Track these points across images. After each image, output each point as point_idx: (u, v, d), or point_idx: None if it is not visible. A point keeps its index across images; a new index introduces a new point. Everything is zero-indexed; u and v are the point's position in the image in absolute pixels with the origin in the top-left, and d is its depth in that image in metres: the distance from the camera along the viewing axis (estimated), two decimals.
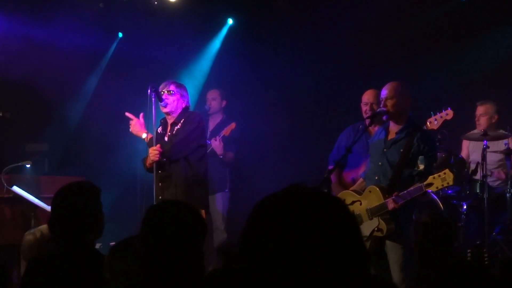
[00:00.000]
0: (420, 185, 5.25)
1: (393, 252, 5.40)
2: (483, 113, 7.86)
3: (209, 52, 9.86)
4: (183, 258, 2.61)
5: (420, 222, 4.36)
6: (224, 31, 9.92)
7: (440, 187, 5.24)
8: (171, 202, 2.79)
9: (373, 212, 5.44)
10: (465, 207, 7.49)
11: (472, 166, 7.58)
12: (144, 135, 6.40)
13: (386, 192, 5.41)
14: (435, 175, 5.23)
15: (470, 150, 8.03)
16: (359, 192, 5.66)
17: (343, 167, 6.95)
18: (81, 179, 6.40)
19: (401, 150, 5.47)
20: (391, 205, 5.31)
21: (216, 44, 9.90)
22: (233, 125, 8.07)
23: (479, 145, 7.61)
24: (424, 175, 5.37)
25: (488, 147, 7.30)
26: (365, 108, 6.75)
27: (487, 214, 7.06)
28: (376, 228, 5.41)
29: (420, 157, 5.44)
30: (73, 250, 3.37)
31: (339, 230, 1.51)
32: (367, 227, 5.45)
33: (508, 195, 7.32)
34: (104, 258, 3.09)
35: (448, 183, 5.19)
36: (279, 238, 1.48)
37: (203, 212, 6.31)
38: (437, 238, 4.21)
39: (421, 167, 5.41)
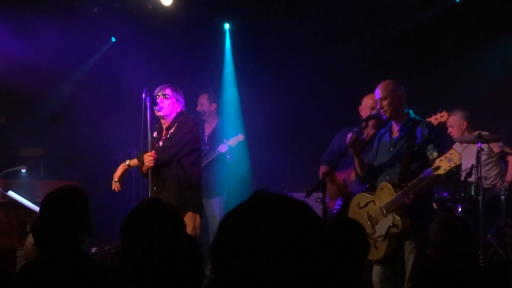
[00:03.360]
0: (428, 170, 5.21)
1: (406, 250, 5.37)
2: (451, 124, 8.02)
3: (207, 58, 9.86)
4: (166, 257, 2.62)
5: (440, 222, 4.31)
6: (227, 39, 9.92)
7: (447, 168, 5.09)
8: (152, 203, 2.80)
9: (386, 209, 5.38)
10: (460, 209, 7.51)
11: (466, 169, 7.60)
12: (127, 162, 6.41)
13: (398, 186, 5.38)
14: (442, 157, 5.16)
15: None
16: (372, 193, 5.64)
17: (335, 169, 6.98)
18: (76, 183, 6.41)
19: (406, 145, 5.48)
20: (404, 199, 5.27)
21: (215, 51, 9.90)
22: (240, 137, 8.01)
23: (469, 148, 7.71)
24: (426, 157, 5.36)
25: (482, 149, 7.34)
26: (364, 105, 6.78)
27: (482, 216, 7.08)
28: (391, 224, 5.34)
29: (430, 145, 5.38)
30: (62, 254, 3.37)
31: (304, 234, 1.51)
32: (383, 225, 5.40)
33: (502, 197, 7.34)
34: (96, 262, 3.10)
35: (455, 163, 5.06)
36: (245, 247, 1.49)
37: (197, 216, 6.33)
38: (458, 238, 4.16)
39: (435, 154, 5.31)
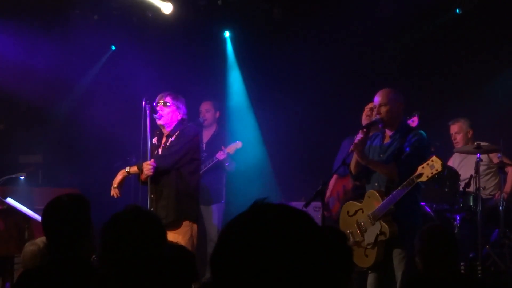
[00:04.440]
0: (411, 177, 5.26)
1: (395, 259, 5.41)
2: (458, 131, 7.98)
3: (208, 66, 9.87)
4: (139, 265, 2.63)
5: (426, 231, 4.33)
6: (229, 46, 9.93)
7: (430, 175, 5.18)
8: (132, 209, 2.80)
9: (374, 216, 5.43)
10: (458, 220, 7.50)
11: (464, 180, 7.59)
12: (126, 170, 6.41)
13: (384, 194, 5.43)
14: (424, 164, 5.21)
15: (457, 165, 8.03)
16: (361, 201, 5.67)
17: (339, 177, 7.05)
18: (75, 191, 6.40)
19: (396, 153, 5.52)
20: (390, 206, 5.33)
21: (216, 59, 9.90)
22: (239, 144, 8.02)
23: (467, 159, 7.70)
24: (399, 158, 5.41)
25: (481, 160, 7.34)
26: (366, 111, 6.85)
27: (480, 227, 7.07)
28: (379, 232, 5.40)
29: (407, 151, 5.48)
30: (63, 262, 3.37)
31: (304, 244, 1.50)
32: (371, 233, 5.45)
33: (501, 208, 7.33)
34: (96, 269, 3.10)
35: (437, 170, 5.15)
36: (245, 256, 1.49)
37: (195, 225, 6.32)
38: (442, 248, 4.17)
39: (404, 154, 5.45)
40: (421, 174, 5.22)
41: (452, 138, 8.04)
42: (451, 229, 5.01)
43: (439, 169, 5.16)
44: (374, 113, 5.73)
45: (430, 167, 5.18)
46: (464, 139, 7.93)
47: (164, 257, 2.71)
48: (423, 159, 5.32)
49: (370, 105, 6.79)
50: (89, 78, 9.82)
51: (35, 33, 8.97)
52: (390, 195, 5.35)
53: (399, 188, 5.30)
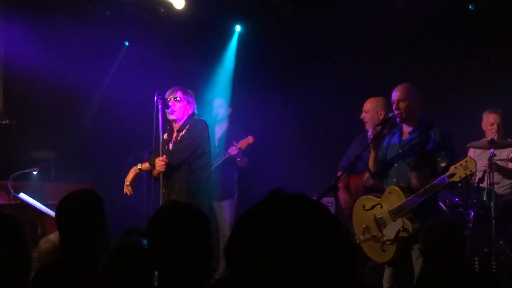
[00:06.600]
0: (442, 176, 5.19)
1: (414, 254, 5.36)
2: (499, 122, 7.76)
3: (220, 62, 9.87)
4: (189, 259, 2.62)
5: (427, 229, 4.29)
6: (234, 41, 9.92)
7: (463, 176, 5.12)
8: (177, 203, 2.80)
9: (395, 213, 5.39)
10: (472, 215, 7.46)
11: (478, 175, 7.54)
12: (138, 166, 6.42)
13: (407, 190, 5.38)
14: (457, 164, 5.14)
15: (476, 158, 7.94)
16: (379, 196, 5.63)
17: (352, 174, 6.99)
18: (87, 186, 6.41)
19: (416, 149, 5.46)
20: (415, 204, 5.27)
21: (227, 54, 9.90)
22: (250, 139, 8.01)
23: (485, 153, 7.62)
24: (425, 157, 5.37)
25: (495, 155, 7.28)
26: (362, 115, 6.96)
27: (494, 222, 7.02)
28: (401, 228, 5.35)
29: (441, 153, 5.40)
30: (78, 258, 3.37)
31: (321, 234, 1.49)
32: (392, 229, 5.41)
33: None
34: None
35: (471, 171, 5.09)
36: (260, 246, 1.47)
37: None
38: (444, 245, 4.13)
39: (443, 164, 5.33)
40: (453, 174, 5.16)
41: (487, 127, 7.84)
42: (455, 225, 4.92)
43: (474, 170, 5.12)
44: (393, 107, 5.66)
45: (463, 168, 5.11)
46: (501, 131, 7.73)
47: (212, 249, 2.71)
48: (449, 155, 5.29)
49: (365, 107, 6.86)
50: (101, 75, 9.82)
51: (47, 29, 8.98)
52: (414, 195, 5.28)
53: (427, 186, 5.24)
